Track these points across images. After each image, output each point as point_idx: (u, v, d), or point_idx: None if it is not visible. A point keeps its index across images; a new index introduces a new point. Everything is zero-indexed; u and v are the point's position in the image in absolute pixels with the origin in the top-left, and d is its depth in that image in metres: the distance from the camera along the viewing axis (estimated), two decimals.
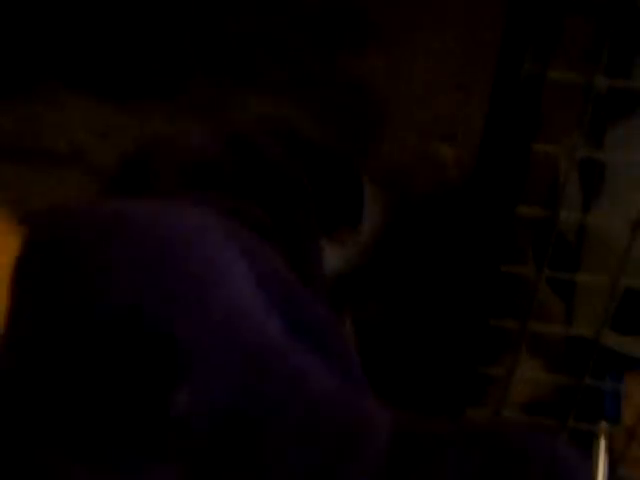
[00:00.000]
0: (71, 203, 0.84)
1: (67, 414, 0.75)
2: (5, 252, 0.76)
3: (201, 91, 1.90)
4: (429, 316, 1.18)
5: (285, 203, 1.04)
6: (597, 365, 1.01)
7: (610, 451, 1.16)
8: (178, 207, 0.88)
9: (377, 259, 1.13)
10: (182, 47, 1.96)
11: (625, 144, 0.95)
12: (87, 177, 1.73)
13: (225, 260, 0.82)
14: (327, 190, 1.12)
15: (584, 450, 1.19)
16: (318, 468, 0.79)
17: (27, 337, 0.75)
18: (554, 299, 1.08)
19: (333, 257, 1.11)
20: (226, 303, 0.79)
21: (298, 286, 0.90)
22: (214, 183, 1.03)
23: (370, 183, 1.13)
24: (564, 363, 1.23)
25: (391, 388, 1.23)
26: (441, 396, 1.15)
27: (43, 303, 0.76)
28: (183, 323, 0.76)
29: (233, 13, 2.00)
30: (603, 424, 1.16)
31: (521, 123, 0.83)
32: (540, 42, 0.79)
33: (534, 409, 1.27)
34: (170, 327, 0.75)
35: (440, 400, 1.16)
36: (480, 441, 0.81)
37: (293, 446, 0.78)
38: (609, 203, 0.98)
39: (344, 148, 1.22)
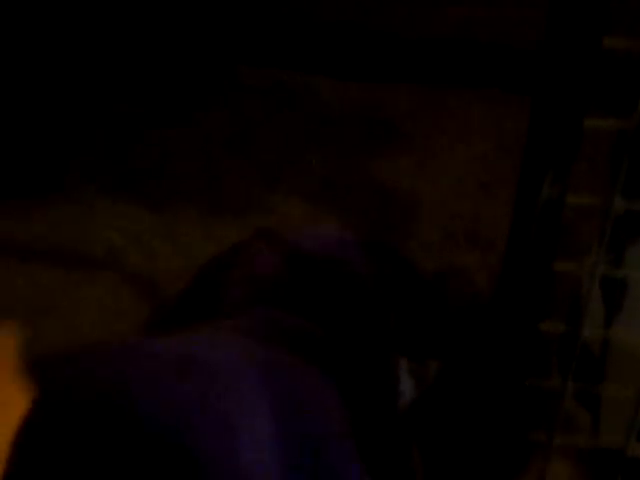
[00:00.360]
0: (82, 354, 0.85)
1: None
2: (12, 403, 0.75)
3: (232, 193, 1.92)
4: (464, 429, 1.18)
5: (350, 323, 1.03)
6: (625, 476, 1.01)
7: None
8: (214, 356, 0.88)
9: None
10: (214, 153, 1.99)
11: None
12: (119, 280, 1.75)
13: (246, 425, 0.82)
14: (415, 319, 1.12)
15: None
16: None
17: None
18: (580, 410, 1.07)
19: (410, 386, 1.12)
20: (242, 468, 0.79)
21: (335, 443, 0.89)
22: (279, 300, 1.03)
23: None
24: (593, 474, 1.22)
25: None
26: None
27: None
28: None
29: (266, 123, 2.04)
30: None
31: (542, 243, 0.84)
32: (559, 167, 0.80)
33: None
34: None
35: None
36: None
37: None
38: (631, 317, 0.99)
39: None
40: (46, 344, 1.42)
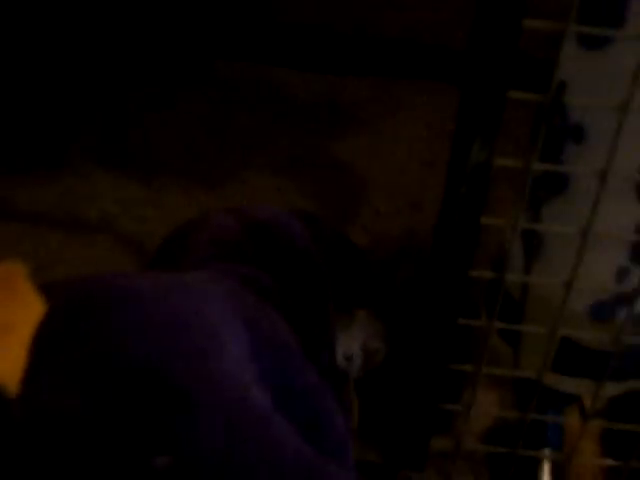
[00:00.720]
0: (86, 276, 0.83)
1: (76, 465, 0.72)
2: (29, 318, 0.74)
3: (211, 168, 1.91)
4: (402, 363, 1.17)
5: (296, 278, 1.03)
6: (541, 401, 1.01)
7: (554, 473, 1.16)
8: (190, 280, 0.87)
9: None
10: (195, 134, 1.97)
11: (558, 217, 0.95)
12: (113, 242, 1.74)
13: (225, 332, 0.80)
14: (343, 276, 1.12)
15: (532, 474, 1.19)
16: None
17: (45, 394, 0.72)
18: (503, 346, 1.07)
19: (351, 335, 1.11)
20: (220, 375, 0.77)
21: (294, 353, 0.88)
22: (236, 257, 1.03)
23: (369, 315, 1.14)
24: (513, 399, 1.23)
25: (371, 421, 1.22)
26: (410, 429, 1.14)
27: (61, 362, 0.74)
28: (176, 393, 0.74)
29: (240, 110, 2.03)
30: (546, 451, 1.15)
31: (472, 200, 0.83)
32: (486, 135, 0.79)
33: (490, 438, 1.26)
34: (167, 394, 0.74)
35: (410, 431, 1.15)
36: None
37: None
38: (546, 265, 0.98)
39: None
40: None
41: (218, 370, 0.77)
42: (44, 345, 0.73)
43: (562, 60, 0.76)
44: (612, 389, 1.06)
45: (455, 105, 1.91)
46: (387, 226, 1.72)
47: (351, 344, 1.12)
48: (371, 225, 1.73)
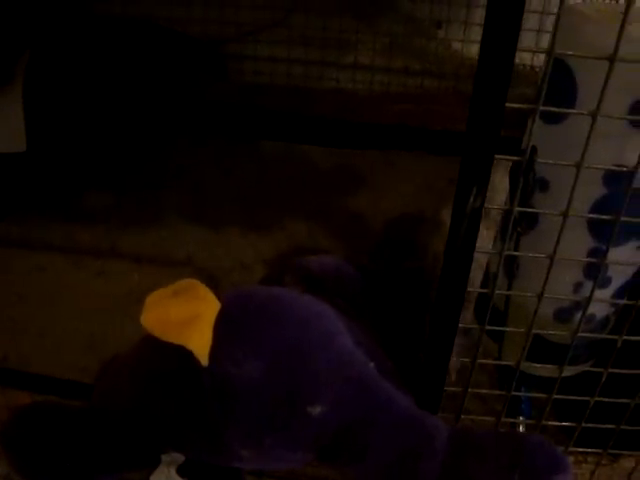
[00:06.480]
0: (241, 287, 0.82)
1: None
2: (210, 310, 0.73)
3: (261, 217, 1.88)
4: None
5: (352, 300, 1.02)
6: (517, 382, 0.96)
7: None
8: (304, 294, 0.86)
9: None
10: (248, 194, 1.95)
11: (532, 246, 0.91)
12: (192, 273, 1.71)
13: (339, 324, 0.79)
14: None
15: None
16: (405, 455, 0.74)
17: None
18: (491, 342, 1.03)
19: None
20: (346, 349, 0.76)
21: (374, 345, 0.86)
22: (318, 289, 1.02)
23: None
24: (498, 380, 1.18)
25: None
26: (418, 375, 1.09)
27: (238, 341, 0.72)
28: (319, 361, 0.73)
29: (277, 175, 2.01)
30: (521, 418, 1.11)
31: (469, 236, 0.80)
32: (480, 188, 0.76)
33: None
34: (312, 363, 0.72)
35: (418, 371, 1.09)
36: (507, 437, 0.77)
37: (386, 442, 0.73)
38: (523, 284, 0.95)
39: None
40: None
41: (343, 345, 0.76)
42: (224, 329, 0.72)
43: (532, 131, 0.73)
44: (568, 371, 1.02)
45: (432, 170, 1.88)
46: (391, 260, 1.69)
47: None
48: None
